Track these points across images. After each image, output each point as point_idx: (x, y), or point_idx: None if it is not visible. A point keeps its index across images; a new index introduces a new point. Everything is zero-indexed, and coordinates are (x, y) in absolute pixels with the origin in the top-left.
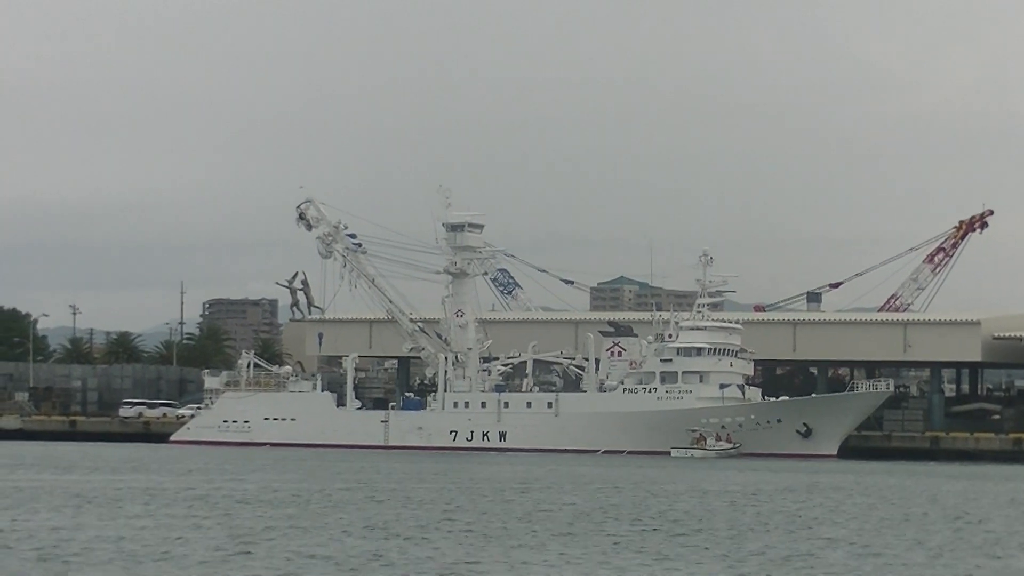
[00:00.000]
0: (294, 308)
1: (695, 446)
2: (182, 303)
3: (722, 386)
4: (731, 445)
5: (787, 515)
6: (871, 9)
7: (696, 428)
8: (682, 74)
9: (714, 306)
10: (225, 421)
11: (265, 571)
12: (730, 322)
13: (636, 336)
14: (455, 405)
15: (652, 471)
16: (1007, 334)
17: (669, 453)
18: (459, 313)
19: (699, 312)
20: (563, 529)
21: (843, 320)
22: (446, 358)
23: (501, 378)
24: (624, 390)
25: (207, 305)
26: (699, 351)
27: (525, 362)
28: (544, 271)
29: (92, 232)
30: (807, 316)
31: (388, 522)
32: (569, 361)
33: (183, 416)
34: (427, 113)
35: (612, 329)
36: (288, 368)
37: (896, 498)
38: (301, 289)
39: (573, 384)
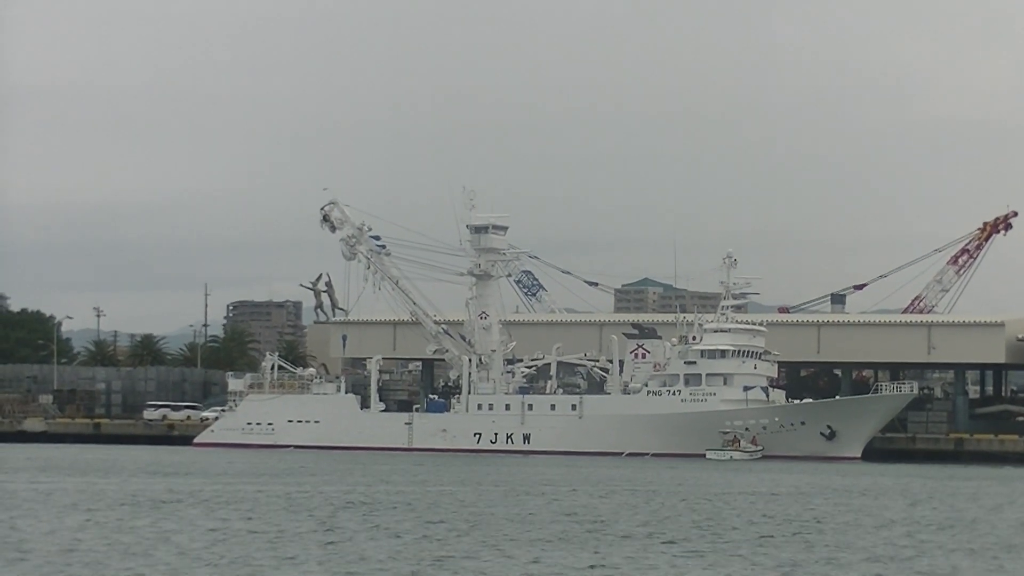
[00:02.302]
0: (318, 310)
1: (729, 448)
2: (206, 305)
3: (746, 388)
4: (756, 447)
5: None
6: (897, 10)
7: (729, 430)
8: (706, 74)
9: (738, 308)
10: (249, 423)
11: None
12: (754, 324)
13: (660, 338)
14: (479, 407)
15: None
16: None
17: (704, 455)
18: (483, 315)
19: (723, 314)
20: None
21: (867, 322)
22: (470, 360)
23: (525, 380)
24: (648, 392)
25: (231, 307)
26: (723, 353)
27: (549, 364)
28: (568, 273)
29: (116, 234)
30: (831, 318)
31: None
32: (593, 363)
33: (207, 418)
34: (451, 115)
35: (636, 331)
36: (312, 370)
37: None
38: (325, 291)
39: (597, 386)
